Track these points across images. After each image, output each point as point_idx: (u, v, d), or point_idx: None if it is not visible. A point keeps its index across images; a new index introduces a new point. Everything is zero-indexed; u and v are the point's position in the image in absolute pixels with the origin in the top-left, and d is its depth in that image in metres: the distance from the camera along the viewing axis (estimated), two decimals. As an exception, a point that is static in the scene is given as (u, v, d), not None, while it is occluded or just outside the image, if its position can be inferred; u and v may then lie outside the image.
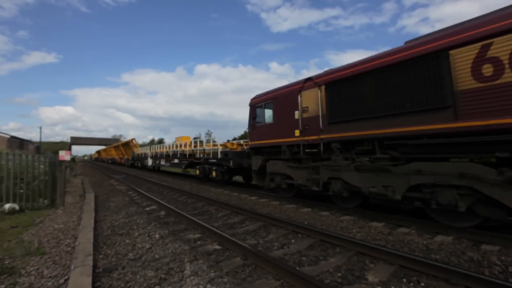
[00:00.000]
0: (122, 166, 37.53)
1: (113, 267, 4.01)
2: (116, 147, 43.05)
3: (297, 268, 3.74)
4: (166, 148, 22.12)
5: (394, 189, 5.81)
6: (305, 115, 7.94)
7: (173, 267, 3.96)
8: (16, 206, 8.08)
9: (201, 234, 5.51)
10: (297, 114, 8.17)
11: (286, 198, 9.00)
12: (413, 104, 5.53)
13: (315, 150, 7.79)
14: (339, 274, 3.67)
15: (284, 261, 4.05)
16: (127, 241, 5.17)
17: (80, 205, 8.56)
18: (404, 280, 3.50)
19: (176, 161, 18.26)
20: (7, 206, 7.89)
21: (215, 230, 5.33)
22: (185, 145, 17.81)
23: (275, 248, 4.74)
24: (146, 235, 5.49)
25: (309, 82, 7.93)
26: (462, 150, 5.08)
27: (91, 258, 4.02)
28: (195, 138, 20.26)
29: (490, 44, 4.58)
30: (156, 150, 23.95)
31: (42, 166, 9.21)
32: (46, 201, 8.87)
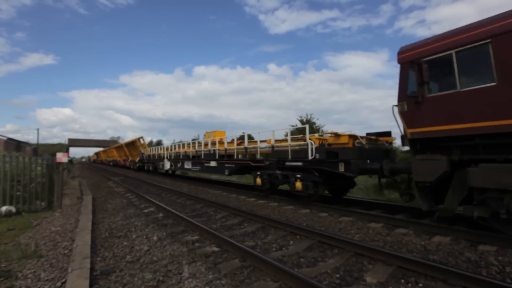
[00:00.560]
0: (125, 169, 32.89)
1: (110, 269, 3.99)
2: (119, 148, 38.49)
3: (296, 270, 3.74)
4: (192, 146, 16.94)
5: None
6: None
7: (171, 269, 3.94)
8: (13, 209, 8.03)
9: (199, 236, 5.49)
10: None
11: (284, 200, 8.97)
12: None
13: None
14: (337, 276, 3.67)
15: (283, 263, 4.05)
16: (125, 243, 5.14)
17: (77, 207, 8.51)
18: (402, 281, 3.51)
19: (213, 164, 13.16)
20: (4, 208, 7.83)
21: (214, 232, 5.32)
22: (229, 142, 13.12)
23: (274, 249, 4.74)
24: (144, 237, 5.46)
25: None
26: None
27: (88, 260, 3.99)
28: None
29: None
30: (177, 149, 18.54)
31: (39, 168, 9.16)
32: (43, 204, 8.82)
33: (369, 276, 3.61)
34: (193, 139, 25.87)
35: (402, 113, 5.74)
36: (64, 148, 63.10)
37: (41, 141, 63.05)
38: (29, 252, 4.76)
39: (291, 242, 5.10)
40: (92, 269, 3.86)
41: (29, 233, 6.07)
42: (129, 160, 31.93)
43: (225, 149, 12.74)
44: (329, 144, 8.36)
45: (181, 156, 17.58)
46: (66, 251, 4.72)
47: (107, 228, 6.24)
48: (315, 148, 8.06)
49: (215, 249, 4.72)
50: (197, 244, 5.02)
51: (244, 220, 6.74)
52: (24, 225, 6.84)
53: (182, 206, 8.88)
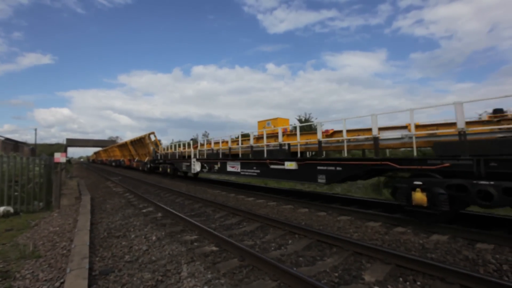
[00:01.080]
0: (130, 171, 28.66)
1: (109, 269, 3.98)
2: (122, 146, 34.39)
3: (294, 269, 3.75)
4: (234, 141, 12.53)
5: None
6: None
7: (170, 269, 3.94)
8: (11, 209, 7.99)
9: (198, 235, 5.49)
10: None
11: (283, 199, 8.99)
12: None
13: None
14: (336, 274, 3.69)
15: (281, 262, 4.06)
16: (123, 243, 5.14)
17: (76, 208, 8.49)
18: (401, 279, 3.53)
19: (290, 166, 8.56)
20: (1, 209, 7.80)
21: (212, 231, 5.32)
22: (309, 133, 10.10)
23: (272, 249, 4.75)
24: (143, 237, 5.46)
25: None
26: None
27: (87, 260, 3.98)
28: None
29: None
30: (212, 145, 13.97)
31: (37, 169, 9.12)
32: (41, 204, 8.79)
33: (367, 275, 3.63)
34: (192, 138, 24.97)
35: None
36: (62, 148, 62.83)
37: (39, 141, 62.83)
38: (27, 253, 4.75)
39: (290, 241, 5.11)
40: (90, 269, 3.85)
41: (27, 234, 6.05)
42: (135, 160, 27.75)
43: (299, 144, 8.83)
44: None
45: (220, 155, 12.85)
46: (65, 251, 4.71)
47: (106, 228, 6.23)
48: None
49: (214, 248, 4.72)
50: (196, 244, 5.02)
51: (243, 220, 6.75)
52: (22, 225, 6.82)
53: (180, 205, 8.88)
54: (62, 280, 3.60)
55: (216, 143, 14.00)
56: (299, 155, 8.81)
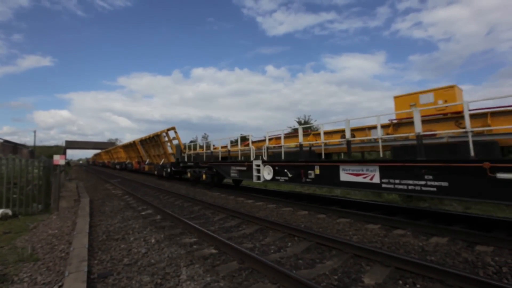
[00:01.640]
0: (139, 175, 25.65)
1: (108, 272, 3.96)
2: (129, 147, 29.40)
3: (294, 272, 3.74)
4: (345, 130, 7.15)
5: None
6: None
7: (169, 271, 3.93)
8: (9, 212, 7.96)
9: (197, 238, 5.48)
10: None
11: (282, 201, 8.99)
12: None
13: None
14: (336, 277, 3.68)
15: (281, 265, 4.05)
16: (122, 246, 5.12)
17: (74, 210, 8.46)
18: (400, 282, 3.52)
19: None
20: (0, 211, 7.76)
21: (212, 234, 5.30)
22: None
23: (272, 251, 4.74)
24: (142, 239, 5.44)
25: None
26: None
27: (85, 264, 3.97)
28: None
29: None
30: (301, 140, 8.44)
31: (36, 171, 9.10)
32: (40, 206, 8.75)
33: (367, 278, 3.62)
34: (191, 141, 22.38)
35: None
36: (61, 150, 62.77)
37: (38, 143, 62.71)
38: (25, 256, 4.72)
39: (289, 243, 5.10)
40: (89, 272, 3.83)
41: (25, 236, 6.02)
42: (146, 163, 22.97)
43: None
44: None
45: (323, 155, 7.97)
46: (63, 254, 4.68)
47: (105, 230, 6.20)
48: None
49: (213, 251, 4.71)
50: (195, 247, 5.01)
51: (242, 222, 6.73)
52: (21, 228, 6.78)
53: (180, 208, 8.85)
54: (60, 284, 3.58)
55: (316, 134, 9.56)
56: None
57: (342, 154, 8.58)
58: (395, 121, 7.86)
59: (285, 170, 8.61)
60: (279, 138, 9.93)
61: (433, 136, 6.36)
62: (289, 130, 11.58)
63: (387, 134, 7.50)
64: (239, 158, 11.91)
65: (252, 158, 10.22)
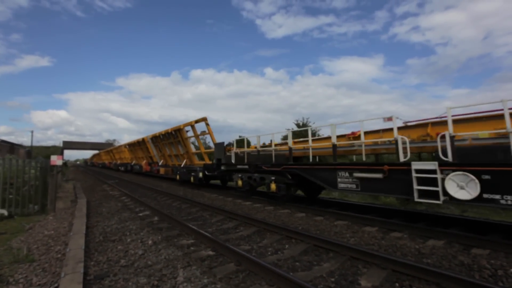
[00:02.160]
0: (150, 178, 21.79)
1: (104, 274, 3.94)
2: (136, 146, 24.95)
3: (291, 274, 3.74)
4: None
5: None
6: None
7: (166, 273, 3.92)
8: (5, 212, 7.91)
9: (194, 239, 5.46)
10: None
11: (280, 204, 8.99)
12: None
13: None
14: (332, 279, 3.68)
15: (278, 267, 4.05)
16: (119, 247, 5.09)
17: (71, 211, 8.41)
18: (397, 284, 3.53)
19: None
20: (-5, 212, 7.71)
21: (209, 235, 5.30)
22: None
23: (269, 253, 4.73)
24: (139, 241, 5.42)
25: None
26: None
27: (82, 265, 3.95)
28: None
29: None
30: None
31: (32, 171, 9.05)
32: (36, 207, 8.70)
33: (363, 280, 3.63)
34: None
35: None
36: (59, 150, 62.42)
37: (35, 144, 62.32)
38: (21, 256, 4.69)
39: (287, 246, 5.10)
40: (85, 274, 3.82)
41: (21, 237, 5.98)
42: (160, 165, 19.12)
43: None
44: None
45: None
46: (59, 256, 4.66)
47: (102, 232, 6.17)
48: None
49: (211, 253, 4.70)
50: (192, 248, 5.00)
51: (240, 224, 6.72)
52: (16, 228, 6.74)
53: (177, 209, 8.83)
54: (56, 285, 3.56)
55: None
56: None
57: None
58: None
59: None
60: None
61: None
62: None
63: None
64: (314, 160, 9.14)
65: (403, 158, 5.86)
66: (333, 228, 6.12)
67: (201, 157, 16.00)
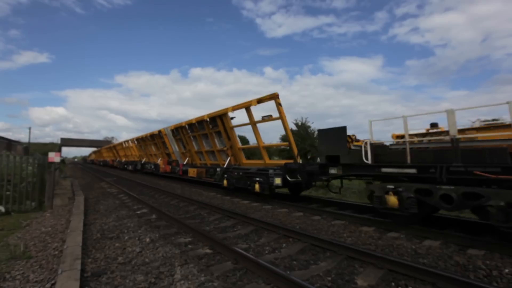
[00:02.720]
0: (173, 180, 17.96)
1: (101, 271, 3.95)
2: (147, 141, 21.00)
3: (288, 272, 3.76)
4: None
5: None
6: None
7: (163, 271, 3.92)
8: (2, 209, 7.88)
9: (192, 238, 5.47)
10: None
11: (278, 203, 8.99)
12: None
13: None
14: (329, 278, 3.70)
15: (275, 265, 4.06)
16: (116, 244, 5.10)
17: (69, 208, 8.40)
18: (393, 284, 3.56)
19: None
20: (-8, 208, 7.68)
21: (206, 234, 5.31)
22: None
23: (266, 252, 4.75)
24: (137, 238, 5.42)
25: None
26: None
27: (79, 262, 3.95)
28: None
29: None
30: None
31: (30, 168, 9.02)
32: (33, 204, 8.67)
33: (360, 279, 3.65)
34: None
35: None
36: (57, 147, 62.16)
37: (33, 140, 61.97)
38: (18, 253, 4.68)
39: (284, 245, 5.12)
40: (82, 271, 3.82)
41: (18, 234, 5.97)
42: (184, 164, 15.15)
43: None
44: None
45: None
46: (56, 252, 4.65)
47: (99, 229, 6.17)
48: None
49: (208, 251, 4.71)
50: (189, 246, 5.00)
51: (238, 223, 6.74)
52: (14, 225, 6.72)
53: (175, 208, 8.83)
54: (53, 282, 3.56)
55: None
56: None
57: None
58: None
59: None
60: None
61: None
62: None
63: None
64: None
65: None
66: (330, 228, 6.15)
67: (250, 154, 12.28)
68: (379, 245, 4.95)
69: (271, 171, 8.91)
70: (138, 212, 8.02)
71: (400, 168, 5.81)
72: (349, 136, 7.08)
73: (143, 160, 23.02)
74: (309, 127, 25.79)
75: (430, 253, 4.53)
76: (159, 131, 17.84)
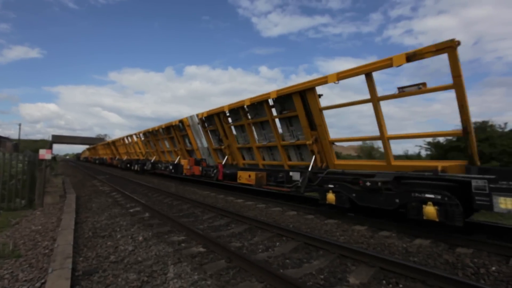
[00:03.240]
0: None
1: (93, 270, 3.90)
2: (158, 135, 17.68)
3: (281, 271, 3.78)
4: None
5: None
6: None
7: (156, 269, 3.90)
8: (-9, 207, 7.71)
9: (185, 236, 5.45)
10: None
11: (272, 201, 9.02)
12: None
13: None
14: (322, 277, 3.74)
15: (268, 264, 4.08)
16: (109, 243, 5.04)
17: (60, 206, 8.27)
18: (384, 282, 3.62)
19: None
20: (-20, 206, 7.51)
21: (200, 232, 5.30)
22: None
23: (260, 250, 4.77)
24: (129, 237, 5.38)
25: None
26: None
27: (70, 260, 3.90)
28: None
29: None
30: None
31: (20, 165, 8.84)
32: (23, 202, 8.51)
33: (352, 277, 3.70)
34: None
35: None
36: (47, 144, 60.97)
37: (23, 137, 60.71)
38: (6, 252, 4.59)
39: (278, 243, 5.15)
40: (73, 269, 3.77)
41: (7, 232, 5.85)
42: (223, 164, 11.28)
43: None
44: None
45: None
46: (47, 251, 4.58)
47: (91, 227, 6.10)
48: None
49: (201, 249, 4.70)
50: (183, 245, 4.99)
51: (231, 221, 6.74)
52: (2, 223, 6.58)
53: (169, 206, 8.78)
54: (43, 281, 3.51)
55: None
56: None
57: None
58: None
59: None
60: None
61: None
62: None
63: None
64: None
65: None
66: (323, 227, 6.20)
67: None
68: (371, 244, 5.02)
69: (477, 182, 4.74)
70: (131, 210, 7.95)
71: None
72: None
73: (153, 159, 19.14)
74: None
75: (421, 251, 4.62)
76: (181, 121, 13.89)
